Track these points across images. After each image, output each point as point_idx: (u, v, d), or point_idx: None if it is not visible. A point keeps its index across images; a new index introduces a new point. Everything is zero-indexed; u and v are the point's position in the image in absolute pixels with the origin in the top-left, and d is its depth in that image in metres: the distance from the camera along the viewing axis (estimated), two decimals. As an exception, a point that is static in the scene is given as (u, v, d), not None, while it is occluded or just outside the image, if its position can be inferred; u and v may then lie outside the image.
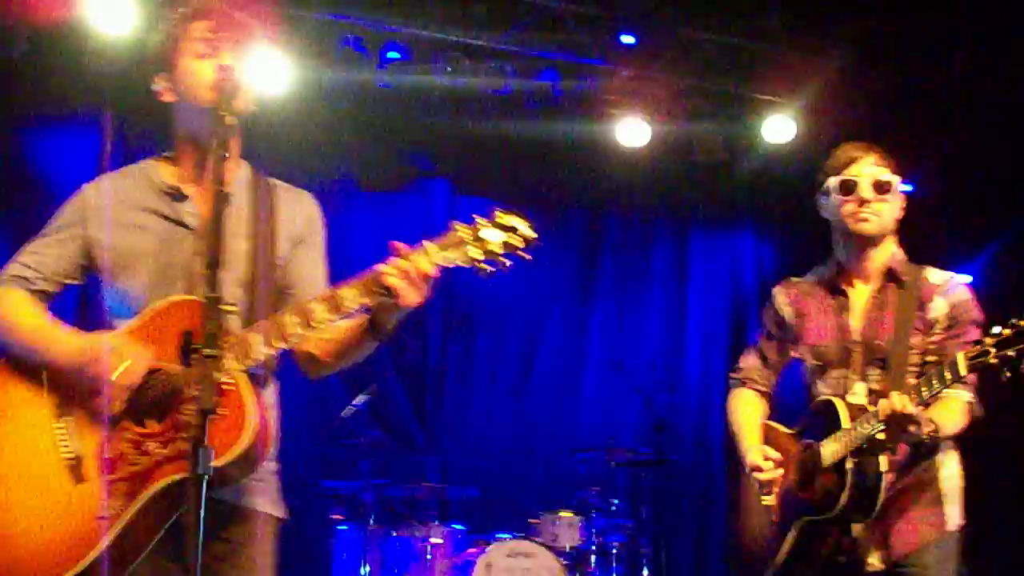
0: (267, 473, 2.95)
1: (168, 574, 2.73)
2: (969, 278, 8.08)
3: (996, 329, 3.15)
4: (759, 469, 3.70)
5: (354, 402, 6.98)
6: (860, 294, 3.65)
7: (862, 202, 3.54)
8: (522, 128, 8.30)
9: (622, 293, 9.41)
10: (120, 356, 2.70)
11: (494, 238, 2.69)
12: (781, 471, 3.69)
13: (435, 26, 7.67)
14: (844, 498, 3.36)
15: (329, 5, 7.47)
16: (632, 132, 8.38)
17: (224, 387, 2.57)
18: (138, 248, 2.90)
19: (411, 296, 2.68)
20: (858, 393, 3.55)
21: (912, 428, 3.29)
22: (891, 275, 3.62)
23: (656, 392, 8.88)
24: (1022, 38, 7.27)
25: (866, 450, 3.35)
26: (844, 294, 3.66)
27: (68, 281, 2.96)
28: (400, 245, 2.70)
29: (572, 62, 8.07)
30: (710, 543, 9.09)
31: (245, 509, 2.88)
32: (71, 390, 2.77)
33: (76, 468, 2.71)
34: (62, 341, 2.80)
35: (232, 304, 2.71)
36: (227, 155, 2.60)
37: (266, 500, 2.95)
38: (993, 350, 3.11)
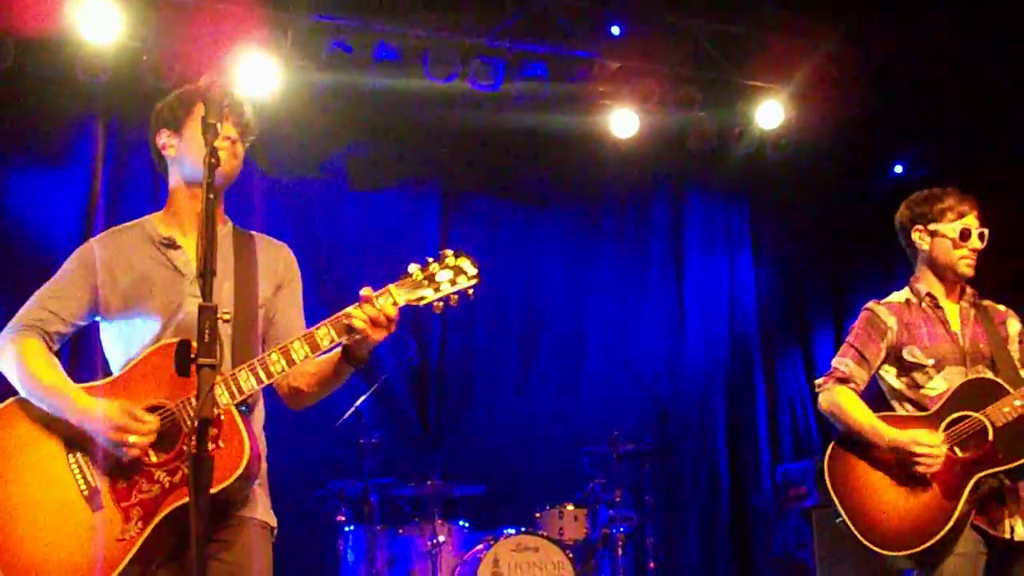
0: (257, 486, 3.22)
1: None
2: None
3: None
4: (931, 447, 3.97)
5: (356, 404, 6.98)
6: (952, 310, 4.30)
7: (975, 251, 4.24)
8: (514, 124, 8.29)
9: (620, 284, 9.40)
10: (125, 424, 2.99)
11: (444, 278, 3.06)
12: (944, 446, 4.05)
13: (423, 26, 7.67)
14: None
15: (317, 7, 7.47)
16: (624, 122, 8.38)
17: (220, 420, 2.97)
18: (140, 292, 3.23)
19: (378, 335, 3.04)
20: None
21: None
22: (967, 298, 4.33)
23: (657, 382, 8.89)
24: (1012, 21, 7.26)
25: None
26: (943, 308, 4.30)
27: (79, 323, 3.29)
28: (367, 292, 3.04)
29: (561, 55, 8.07)
30: (715, 530, 9.10)
31: (239, 517, 3.16)
32: (82, 434, 3.08)
33: (93, 498, 3.04)
34: (74, 404, 3.09)
35: (227, 312, 3.00)
36: (214, 199, 2.80)
37: (258, 508, 3.21)
38: None
